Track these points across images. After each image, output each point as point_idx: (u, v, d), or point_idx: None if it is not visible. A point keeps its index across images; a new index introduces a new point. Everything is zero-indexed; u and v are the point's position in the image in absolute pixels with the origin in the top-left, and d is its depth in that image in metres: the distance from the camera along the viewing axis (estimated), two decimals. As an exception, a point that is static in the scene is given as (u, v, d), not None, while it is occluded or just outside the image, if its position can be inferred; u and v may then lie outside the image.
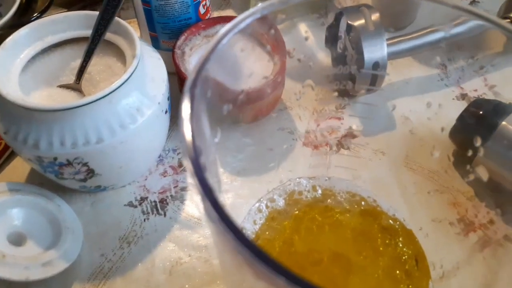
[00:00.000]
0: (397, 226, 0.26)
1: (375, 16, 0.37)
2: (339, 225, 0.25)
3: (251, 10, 0.20)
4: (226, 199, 0.29)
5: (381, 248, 0.24)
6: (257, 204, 0.25)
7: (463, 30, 0.43)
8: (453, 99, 0.37)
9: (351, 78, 0.36)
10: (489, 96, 0.36)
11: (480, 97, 0.36)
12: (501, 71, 0.43)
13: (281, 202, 0.25)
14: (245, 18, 0.19)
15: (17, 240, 0.31)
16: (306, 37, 0.51)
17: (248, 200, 0.25)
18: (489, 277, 0.23)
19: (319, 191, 0.26)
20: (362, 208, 0.26)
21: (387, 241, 0.24)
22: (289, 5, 0.21)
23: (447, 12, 0.53)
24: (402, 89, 0.38)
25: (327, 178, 0.28)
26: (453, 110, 0.34)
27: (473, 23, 0.45)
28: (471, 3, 0.53)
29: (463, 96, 0.37)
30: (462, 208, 0.29)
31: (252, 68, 0.38)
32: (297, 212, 0.25)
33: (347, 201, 0.26)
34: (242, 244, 0.13)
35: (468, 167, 0.30)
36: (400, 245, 0.24)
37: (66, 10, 0.50)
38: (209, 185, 0.13)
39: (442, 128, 0.32)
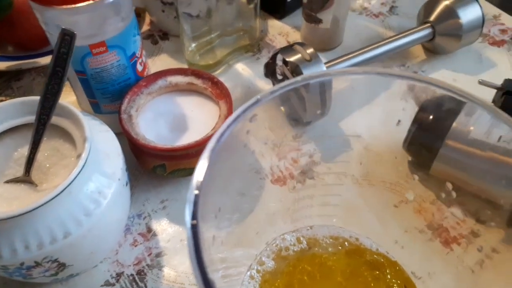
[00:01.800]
0: (382, 260, 0.28)
1: (309, 50, 0.39)
2: (328, 270, 0.26)
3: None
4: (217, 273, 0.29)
5: (372, 284, 0.26)
6: (248, 272, 0.26)
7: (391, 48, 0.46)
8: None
9: (300, 103, 0.37)
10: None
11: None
12: (431, 76, 0.47)
13: (270, 263, 0.26)
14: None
15: None
16: (244, 73, 0.52)
17: (237, 269, 0.25)
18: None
19: (304, 242, 0.28)
20: (346, 248, 0.28)
21: (376, 276, 0.26)
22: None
23: (371, 35, 0.57)
24: (348, 103, 0.39)
25: (309, 228, 0.29)
26: (400, 115, 0.36)
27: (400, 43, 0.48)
28: (390, 9, 0.57)
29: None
30: (428, 214, 0.32)
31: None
32: (287, 268, 0.26)
33: (331, 245, 0.28)
34: None
35: (427, 172, 0.32)
36: (389, 276, 0.26)
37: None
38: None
39: (394, 140, 0.34)
